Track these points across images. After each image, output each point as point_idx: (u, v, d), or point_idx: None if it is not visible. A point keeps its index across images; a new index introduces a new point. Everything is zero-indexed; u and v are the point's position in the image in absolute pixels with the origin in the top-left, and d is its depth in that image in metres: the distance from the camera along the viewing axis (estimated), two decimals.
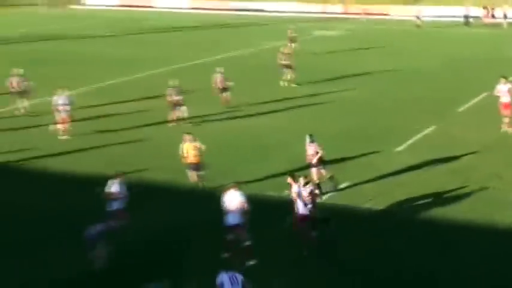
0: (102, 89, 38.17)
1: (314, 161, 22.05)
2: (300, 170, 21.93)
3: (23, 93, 32.72)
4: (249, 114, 32.10)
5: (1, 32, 62.42)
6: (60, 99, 29.17)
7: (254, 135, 28.91)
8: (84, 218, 18.51)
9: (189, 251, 18.45)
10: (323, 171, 22.23)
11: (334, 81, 39.24)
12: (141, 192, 21.15)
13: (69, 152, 27.00)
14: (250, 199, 18.23)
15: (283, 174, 20.72)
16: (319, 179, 21.86)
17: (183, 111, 30.10)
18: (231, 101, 32.94)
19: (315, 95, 35.78)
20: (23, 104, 32.78)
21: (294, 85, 38.01)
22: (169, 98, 30.28)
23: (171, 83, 30.61)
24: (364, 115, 32.07)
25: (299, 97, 35.27)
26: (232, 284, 14.38)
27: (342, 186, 22.63)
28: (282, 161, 25.07)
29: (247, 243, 17.69)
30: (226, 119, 31.46)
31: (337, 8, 77.77)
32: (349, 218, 20.41)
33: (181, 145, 22.63)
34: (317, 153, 22.04)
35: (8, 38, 58.72)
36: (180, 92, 30.38)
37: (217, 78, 33.09)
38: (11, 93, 33.00)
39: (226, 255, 17.65)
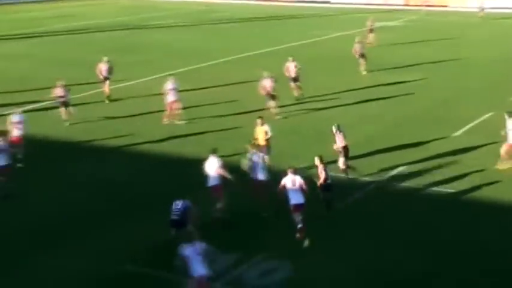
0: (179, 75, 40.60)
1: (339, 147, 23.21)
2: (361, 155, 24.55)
3: (107, 79, 34.63)
4: (318, 101, 33.98)
5: (87, 21, 65.96)
6: (169, 85, 30.46)
7: (319, 121, 30.41)
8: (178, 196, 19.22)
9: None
10: (342, 159, 23.31)
11: (397, 70, 41.29)
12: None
13: (172, 137, 28.33)
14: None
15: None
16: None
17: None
18: (301, 89, 34.29)
19: (380, 83, 37.81)
20: (106, 87, 34.58)
21: (364, 72, 40.43)
22: (263, 89, 30.71)
23: (265, 73, 31.13)
24: (425, 102, 33.93)
25: (366, 85, 37.28)
26: (196, 254, 15.31)
27: (403, 168, 24.50)
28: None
29: (300, 224, 19.01)
30: (296, 105, 33.31)
31: (398, 0, 79.48)
32: (406, 196, 22.55)
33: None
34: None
35: (87, 27, 62.14)
36: (274, 81, 30.85)
37: (289, 67, 34.32)
38: (103, 78, 34.65)
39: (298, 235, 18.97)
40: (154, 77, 39.43)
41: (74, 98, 32.33)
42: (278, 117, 30.39)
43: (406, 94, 35.65)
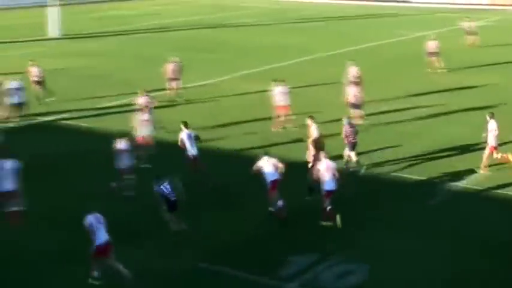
0: (258, 74, 40.71)
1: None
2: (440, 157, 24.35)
3: (175, 79, 34.14)
4: (391, 101, 33.68)
5: (171, 20, 66.94)
6: (278, 89, 29.13)
7: (394, 122, 30.36)
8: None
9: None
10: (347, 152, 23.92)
11: (480, 70, 40.66)
12: None
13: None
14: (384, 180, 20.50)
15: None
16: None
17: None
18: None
19: (461, 83, 37.24)
20: (173, 86, 34.39)
21: (439, 70, 39.84)
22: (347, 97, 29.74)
23: (348, 78, 31.07)
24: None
25: (445, 86, 36.74)
26: (99, 223, 16.74)
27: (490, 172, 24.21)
28: (417, 146, 27.00)
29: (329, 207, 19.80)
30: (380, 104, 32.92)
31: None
32: (490, 201, 22.22)
33: None
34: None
35: (168, 25, 63.00)
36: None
37: (351, 71, 32.88)
38: (171, 78, 34.49)
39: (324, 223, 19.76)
40: (229, 76, 39.95)
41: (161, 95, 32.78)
42: (363, 122, 29.14)
43: (490, 95, 34.92)
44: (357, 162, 24.17)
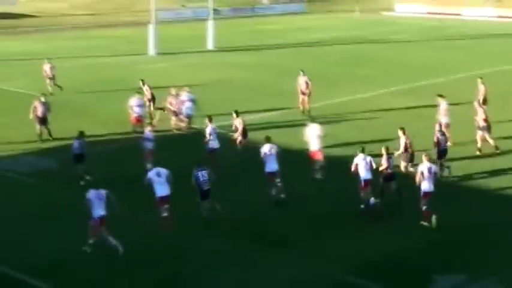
0: (405, 91, 40.54)
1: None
2: None
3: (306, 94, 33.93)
4: None
5: (323, 34, 67.78)
6: (442, 105, 29.03)
7: None
8: None
9: None
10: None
11: None
12: None
13: None
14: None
15: None
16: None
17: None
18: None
19: None
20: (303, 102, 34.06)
21: None
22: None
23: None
24: None
25: None
26: (99, 199, 18.75)
27: None
28: None
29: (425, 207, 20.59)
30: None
31: None
32: None
33: None
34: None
35: (320, 40, 63.81)
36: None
37: (481, 89, 32.11)
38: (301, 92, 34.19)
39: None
40: (380, 91, 39.95)
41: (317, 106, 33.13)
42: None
43: None
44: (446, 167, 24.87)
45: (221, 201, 21.10)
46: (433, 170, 20.76)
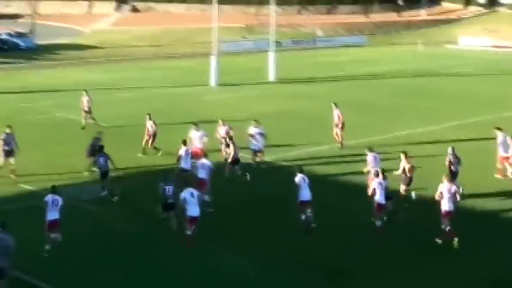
0: (468, 125, 39.86)
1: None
2: None
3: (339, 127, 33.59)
4: None
5: (377, 67, 67.42)
6: (499, 139, 29.05)
7: None
8: None
9: None
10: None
11: None
12: None
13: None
14: None
15: None
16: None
17: None
18: None
19: None
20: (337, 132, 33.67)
21: None
22: None
23: None
24: None
25: None
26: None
27: None
28: None
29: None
30: None
31: None
32: None
33: None
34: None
35: (382, 72, 63.35)
36: None
37: None
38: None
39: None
40: (443, 125, 39.43)
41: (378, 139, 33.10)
42: None
43: None
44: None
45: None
46: (452, 190, 21.80)
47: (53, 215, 20.94)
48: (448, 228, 21.34)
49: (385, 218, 22.84)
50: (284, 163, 30.87)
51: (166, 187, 22.57)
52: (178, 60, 73.45)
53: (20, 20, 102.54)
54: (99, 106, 40.26)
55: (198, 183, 24.30)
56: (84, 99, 38.42)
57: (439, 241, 21.35)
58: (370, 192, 22.74)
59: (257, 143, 30.31)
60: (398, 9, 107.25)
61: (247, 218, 23.93)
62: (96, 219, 24.14)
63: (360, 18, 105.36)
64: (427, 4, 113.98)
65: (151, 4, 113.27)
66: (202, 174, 25.07)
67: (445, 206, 21.57)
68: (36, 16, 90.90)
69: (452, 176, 24.86)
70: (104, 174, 26.08)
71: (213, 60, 55.42)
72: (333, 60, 73.67)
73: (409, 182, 25.27)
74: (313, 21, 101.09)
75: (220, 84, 54.04)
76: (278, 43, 67.57)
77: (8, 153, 28.70)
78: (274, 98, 48.66)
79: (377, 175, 23.02)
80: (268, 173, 29.48)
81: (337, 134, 33.90)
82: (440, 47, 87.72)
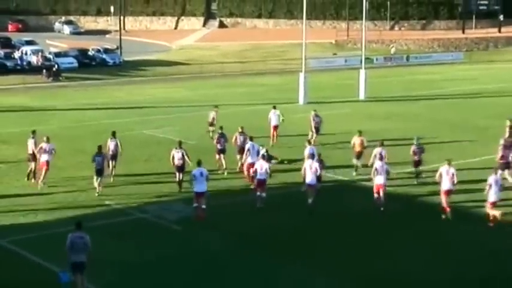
0: None
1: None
2: None
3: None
4: None
5: (476, 86, 64.24)
6: None
7: None
8: None
9: None
10: None
11: None
12: None
13: None
14: None
15: None
16: None
17: None
18: None
19: None
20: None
21: None
22: None
23: None
24: None
25: None
26: (201, 175, 24.99)
27: None
28: None
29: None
30: None
31: None
32: None
33: None
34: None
35: (480, 91, 60.27)
36: None
37: None
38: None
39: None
40: None
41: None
42: None
43: None
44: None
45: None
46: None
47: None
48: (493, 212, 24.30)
49: None
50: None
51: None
52: (266, 77, 71.99)
53: (107, 36, 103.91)
54: (184, 123, 39.36)
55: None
56: (211, 113, 38.99)
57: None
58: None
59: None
60: (498, 24, 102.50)
61: None
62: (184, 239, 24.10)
63: (457, 34, 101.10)
64: None
65: (239, 19, 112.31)
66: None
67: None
68: (124, 32, 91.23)
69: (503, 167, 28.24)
70: (99, 171, 28.48)
71: (301, 77, 53.97)
72: (427, 78, 70.79)
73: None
74: (407, 36, 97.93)
75: (310, 102, 52.18)
76: (369, 60, 65.11)
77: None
78: (363, 117, 46.51)
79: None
80: None
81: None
82: None
